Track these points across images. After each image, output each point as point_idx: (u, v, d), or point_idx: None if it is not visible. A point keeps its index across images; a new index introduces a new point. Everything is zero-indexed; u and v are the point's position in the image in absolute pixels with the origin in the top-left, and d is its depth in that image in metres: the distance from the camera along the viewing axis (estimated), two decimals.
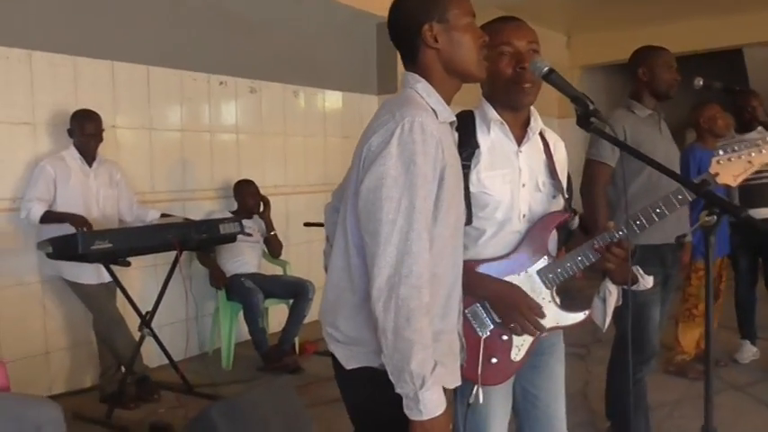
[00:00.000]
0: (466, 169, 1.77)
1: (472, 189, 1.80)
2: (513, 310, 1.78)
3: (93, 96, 4.09)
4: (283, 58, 5.46)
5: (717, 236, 3.81)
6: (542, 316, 1.82)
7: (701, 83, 2.88)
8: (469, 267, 1.79)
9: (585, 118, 1.56)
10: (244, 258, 4.68)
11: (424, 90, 1.52)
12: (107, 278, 3.62)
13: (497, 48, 1.76)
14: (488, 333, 1.82)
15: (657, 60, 2.98)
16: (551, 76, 1.61)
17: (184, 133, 4.79)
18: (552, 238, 1.88)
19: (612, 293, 2.95)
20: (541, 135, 1.93)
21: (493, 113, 1.84)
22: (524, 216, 1.85)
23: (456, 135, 1.74)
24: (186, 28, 4.69)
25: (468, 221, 1.82)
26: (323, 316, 1.58)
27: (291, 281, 4.74)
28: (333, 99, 6.07)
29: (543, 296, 1.85)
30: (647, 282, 2.89)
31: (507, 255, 1.84)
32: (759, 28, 8.19)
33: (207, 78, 4.90)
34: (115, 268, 3.54)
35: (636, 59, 3.05)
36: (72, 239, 3.16)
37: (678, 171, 3.04)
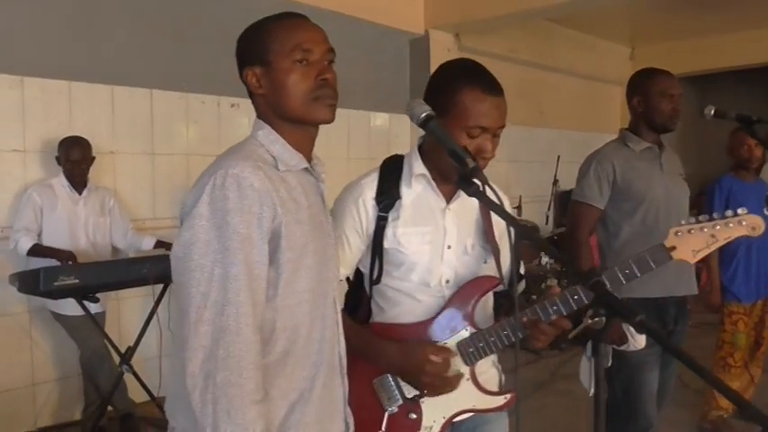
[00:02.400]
0: (382, 221, 1.59)
1: (386, 245, 1.59)
2: (417, 369, 1.53)
3: (89, 122, 4.03)
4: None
5: (756, 275, 3.46)
6: (446, 367, 1.57)
7: (713, 112, 2.48)
8: (377, 331, 1.61)
9: (464, 178, 1.27)
10: None
11: (265, 137, 1.32)
12: (93, 309, 3.53)
13: (468, 129, 1.53)
14: (395, 409, 1.60)
15: (653, 88, 2.60)
16: (428, 125, 1.33)
17: (190, 157, 4.67)
18: (482, 308, 1.62)
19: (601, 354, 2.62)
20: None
21: (418, 165, 1.62)
22: (448, 281, 1.61)
23: (377, 185, 1.62)
24: (191, 50, 4.56)
25: (376, 280, 1.63)
26: (166, 406, 1.36)
27: None
28: (358, 119, 5.85)
29: (461, 371, 1.60)
30: (639, 341, 2.53)
31: (424, 322, 1.61)
32: None
33: (217, 101, 4.76)
34: (111, 295, 3.44)
35: (631, 86, 2.69)
36: (34, 275, 3.07)
37: (685, 209, 2.67)
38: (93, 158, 3.79)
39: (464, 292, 1.59)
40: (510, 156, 7.46)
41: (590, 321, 1.08)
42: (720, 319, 3.82)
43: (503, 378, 1.75)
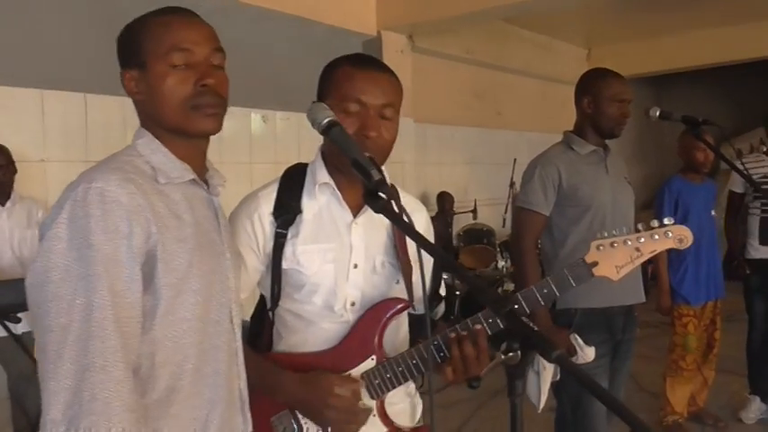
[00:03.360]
0: (281, 239, 1.42)
1: (284, 265, 1.43)
2: (320, 402, 1.37)
3: (15, 129, 3.79)
4: (249, 80, 5.08)
5: (705, 277, 3.41)
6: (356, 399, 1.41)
7: (658, 113, 2.40)
8: (276, 362, 1.44)
9: (370, 192, 1.14)
10: None
11: (146, 146, 1.18)
12: (19, 329, 3.31)
13: (342, 102, 1.39)
14: None
15: (605, 91, 2.49)
16: (331, 131, 1.20)
17: None
18: (392, 334, 1.46)
19: (548, 367, 2.50)
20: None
21: (322, 174, 1.46)
22: (353, 304, 1.45)
23: (275, 197, 1.46)
24: None
25: (273, 305, 1.47)
26: None
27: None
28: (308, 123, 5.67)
29: (366, 405, 1.44)
30: (588, 354, 2.44)
31: (327, 351, 1.44)
32: None
33: None
34: None
35: (582, 86, 2.59)
36: None
37: (631, 215, 2.59)
38: (16, 169, 3.56)
39: (369, 317, 1.44)
40: (467, 158, 7.39)
41: (503, 357, 0.95)
42: (671, 322, 3.77)
43: (420, 410, 1.59)
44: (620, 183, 2.58)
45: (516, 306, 1.39)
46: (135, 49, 1.18)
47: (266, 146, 5.33)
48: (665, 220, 1.42)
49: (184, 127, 1.18)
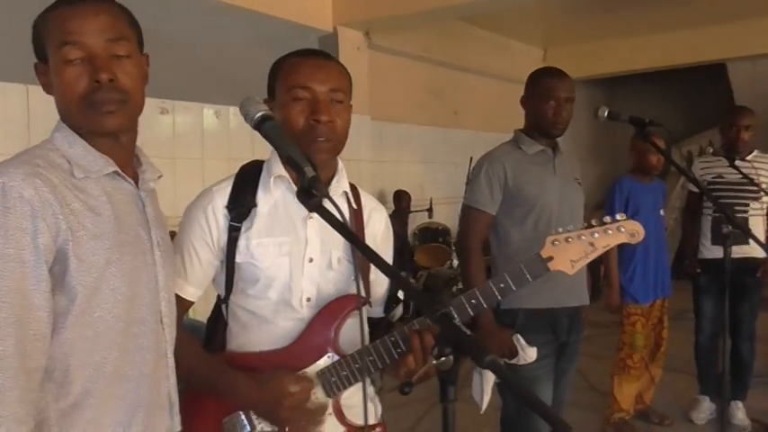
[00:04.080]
0: (234, 232, 1.40)
1: (238, 258, 1.41)
2: (274, 402, 1.35)
3: None
4: (202, 75, 4.99)
5: (654, 275, 3.46)
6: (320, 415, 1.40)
7: (606, 113, 2.40)
8: (228, 361, 1.41)
9: (303, 190, 1.10)
10: None
11: (63, 139, 1.14)
12: None
13: (291, 91, 1.39)
14: None
15: (537, 90, 2.49)
16: (264, 126, 1.16)
17: None
18: (349, 331, 1.43)
19: None
20: (351, 200, 1.51)
21: (278, 167, 1.43)
22: (309, 300, 1.43)
23: (230, 191, 1.45)
24: None
25: (225, 299, 1.45)
26: None
27: (197, 326, 4.25)
28: None
29: (325, 405, 1.43)
30: (529, 354, 2.43)
31: (282, 350, 1.42)
32: (742, 41, 7.78)
33: None
34: None
35: (525, 86, 2.59)
36: None
37: (580, 215, 2.59)
38: None
39: (325, 314, 1.42)
40: (424, 157, 7.40)
41: (435, 362, 0.92)
42: (620, 321, 3.82)
43: (378, 408, 1.58)
44: (569, 183, 2.57)
45: (474, 302, 1.37)
46: (39, 43, 1.14)
47: (219, 142, 5.23)
48: (618, 216, 1.43)
49: (84, 125, 1.13)
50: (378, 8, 5.72)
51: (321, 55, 1.46)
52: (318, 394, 1.40)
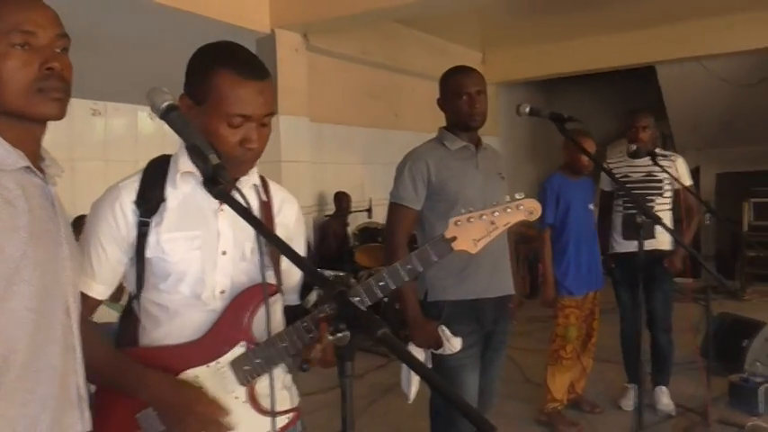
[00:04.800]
0: (144, 227, 1.40)
1: (148, 254, 1.40)
2: (185, 415, 1.35)
3: None
4: (137, 77, 4.90)
5: (586, 268, 3.57)
6: (229, 427, 1.38)
7: (528, 110, 2.49)
8: (141, 357, 1.40)
9: (209, 178, 1.13)
10: None
11: None
12: None
13: (230, 117, 1.38)
14: None
15: (448, 87, 2.59)
16: (169, 116, 1.18)
17: None
18: (261, 319, 1.44)
19: (418, 357, 2.56)
20: (261, 192, 1.53)
21: (185, 162, 1.42)
22: (223, 292, 1.43)
23: (138, 186, 1.43)
24: None
25: (137, 295, 1.45)
26: None
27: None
28: None
29: (236, 394, 1.43)
30: (454, 344, 2.49)
31: (194, 342, 1.42)
32: (670, 45, 8.08)
33: None
34: None
35: (440, 86, 2.67)
36: None
37: None
38: None
39: (237, 304, 1.43)
40: (364, 158, 7.44)
41: (331, 338, 0.95)
42: (554, 314, 3.93)
43: (295, 395, 1.59)
44: (492, 178, 2.63)
45: (382, 284, 1.40)
46: None
47: (154, 144, 5.14)
48: (516, 195, 1.48)
49: (27, 110, 1.13)
50: (315, 10, 5.75)
51: (257, 72, 1.40)
52: (233, 381, 1.41)
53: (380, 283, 1.40)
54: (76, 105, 4.60)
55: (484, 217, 1.45)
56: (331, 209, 6.70)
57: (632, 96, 9.00)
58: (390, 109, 7.77)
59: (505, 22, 7.96)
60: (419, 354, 2.49)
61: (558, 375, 3.91)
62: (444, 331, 2.44)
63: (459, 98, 2.52)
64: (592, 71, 9.15)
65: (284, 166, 6.05)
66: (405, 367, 2.49)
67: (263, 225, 1.10)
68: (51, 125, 1.21)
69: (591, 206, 3.96)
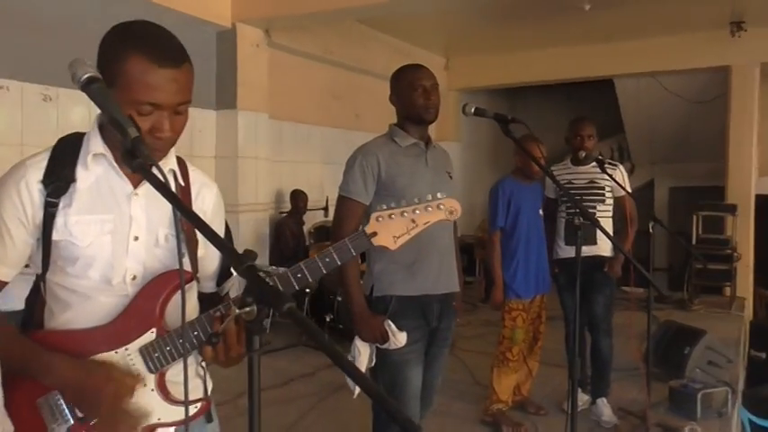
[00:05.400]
0: (51, 208, 1.33)
1: (55, 236, 1.34)
2: (96, 396, 1.30)
3: None
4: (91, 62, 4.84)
5: (535, 272, 3.61)
6: (143, 415, 1.36)
7: (473, 110, 2.52)
8: (46, 341, 1.35)
9: (128, 151, 1.11)
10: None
11: None
12: None
13: (138, 105, 1.31)
14: (65, 430, 1.35)
15: (402, 82, 2.61)
16: (90, 88, 1.15)
17: None
18: (175, 306, 1.40)
19: (363, 352, 2.55)
20: (179, 177, 1.49)
21: (96, 143, 1.37)
22: (134, 277, 1.39)
23: (46, 165, 1.36)
24: None
25: (41, 277, 1.39)
26: None
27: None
28: None
29: (144, 382, 1.39)
30: (399, 339, 2.51)
31: (102, 327, 1.38)
32: (627, 59, 8.27)
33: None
34: None
35: (390, 86, 2.69)
36: None
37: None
38: None
39: (149, 290, 1.39)
40: (324, 157, 7.43)
41: (238, 311, 0.94)
42: (501, 316, 3.96)
43: (208, 386, 1.56)
44: (441, 176, 2.65)
45: (299, 276, 1.39)
46: None
47: None
48: (438, 195, 1.49)
49: None
50: (278, 6, 5.72)
51: (172, 58, 1.30)
52: (141, 369, 1.38)
53: (298, 275, 1.39)
54: (27, 90, 4.51)
55: (405, 214, 1.46)
56: (288, 207, 6.66)
57: (593, 108, 9.18)
58: (352, 109, 7.77)
59: (470, 29, 8.04)
60: (365, 348, 2.49)
61: (504, 377, 3.94)
62: (390, 326, 2.44)
63: (414, 90, 2.55)
64: (552, 81, 9.30)
65: (241, 162, 6.00)
66: (348, 358, 2.49)
67: (179, 201, 1.08)
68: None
69: (540, 211, 4.01)
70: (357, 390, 2.50)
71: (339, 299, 5.55)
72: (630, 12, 6.94)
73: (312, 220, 6.76)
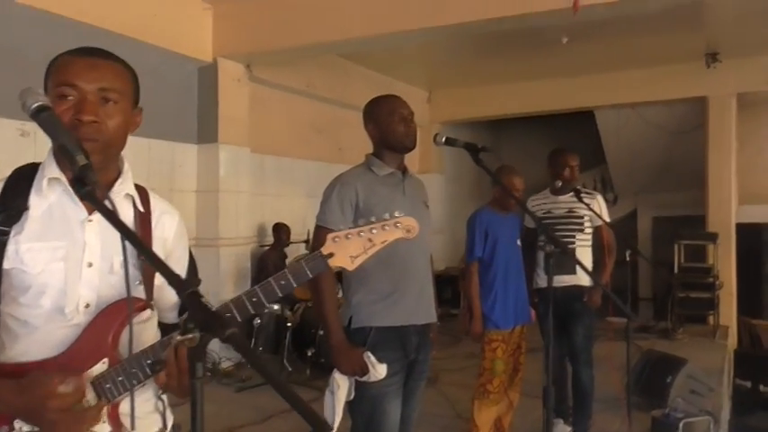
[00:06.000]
0: (3, 236, 1.32)
1: (6, 265, 1.32)
2: (39, 405, 1.27)
3: None
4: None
5: (513, 302, 3.60)
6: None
7: (444, 140, 2.55)
8: None
9: (77, 178, 1.10)
10: None
11: None
12: None
13: (57, 88, 1.34)
14: None
15: (382, 110, 2.64)
16: (40, 116, 1.16)
17: None
18: (135, 336, 1.38)
19: (342, 386, 2.50)
20: (138, 202, 1.48)
21: (51, 168, 1.37)
22: (88, 305, 1.37)
23: None
24: None
25: None
26: None
27: None
28: (138, 147, 5.47)
29: (101, 404, 1.35)
30: (380, 371, 2.46)
31: (53, 359, 1.35)
32: (607, 92, 8.38)
33: None
34: None
35: (365, 115, 2.72)
36: None
37: (426, 236, 2.68)
38: None
39: (102, 319, 1.36)
40: (308, 191, 7.43)
41: (179, 338, 0.93)
42: (481, 347, 3.93)
43: (168, 421, 1.52)
44: (418, 206, 2.66)
45: (255, 299, 1.36)
46: None
47: None
48: (396, 213, 1.48)
49: None
50: (259, 41, 5.78)
51: (97, 53, 1.40)
52: (92, 401, 1.33)
53: (253, 299, 1.36)
54: (4, 126, 4.50)
55: (362, 234, 1.44)
56: (271, 240, 6.64)
57: (576, 139, 9.27)
58: (334, 143, 7.81)
59: (451, 62, 8.15)
60: (344, 381, 2.45)
61: (485, 409, 3.89)
62: (370, 358, 2.41)
63: (393, 118, 2.58)
64: (534, 113, 9.41)
65: (222, 196, 6.00)
66: (329, 395, 2.46)
67: (128, 229, 1.07)
68: None
69: (519, 242, 4.02)
70: (337, 422, 2.46)
71: (321, 332, 5.50)
72: (607, 45, 7.07)
73: (295, 252, 6.74)
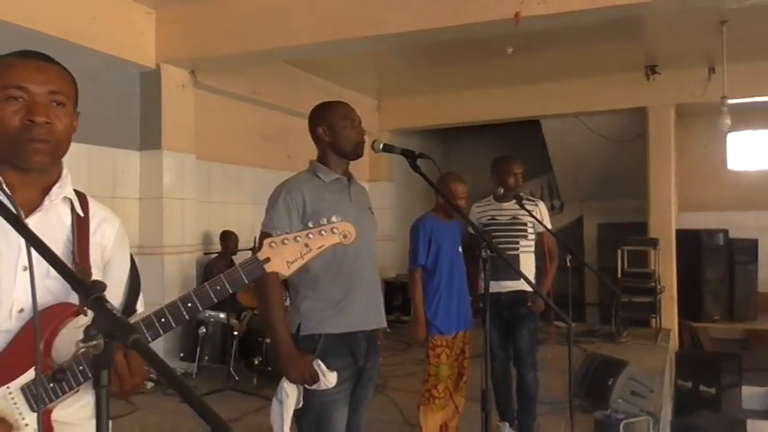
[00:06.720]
0: None
1: None
2: None
3: None
4: None
5: (456, 308, 3.62)
6: None
7: (381, 146, 2.56)
8: None
9: None
10: None
11: None
12: None
13: (5, 90, 1.33)
14: None
15: (335, 115, 2.62)
16: None
17: None
18: (64, 341, 1.34)
19: (290, 395, 2.44)
20: (77, 207, 1.44)
21: None
22: (21, 310, 1.33)
23: None
24: None
25: None
26: None
27: None
28: (78, 153, 5.34)
29: (26, 420, 1.31)
30: (330, 379, 2.39)
31: None
32: (552, 100, 8.55)
33: None
34: None
35: (314, 118, 2.69)
36: None
37: (373, 242, 2.70)
38: None
39: (33, 324, 1.30)
40: (255, 198, 7.34)
41: (83, 345, 0.90)
42: (426, 353, 3.95)
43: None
44: (364, 211, 2.67)
45: (190, 305, 1.34)
46: None
47: (78, 181, 4.91)
48: (333, 218, 1.48)
49: None
50: (202, 47, 5.71)
51: (42, 57, 1.41)
52: (23, 408, 1.30)
53: (188, 304, 1.35)
54: None
55: (298, 239, 1.44)
56: (217, 248, 6.55)
57: (524, 147, 9.43)
58: (283, 150, 7.76)
59: (400, 71, 8.20)
60: (292, 390, 2.41)
61: (431, 414, 3.91)
62: (320, 366, 2.38)
63: (346, 123, 2.59)
64: (481, 122, 9.53)
65: (166, 203, 5.89)
66: (276, 404, 2.43)
67: (31, 232, 1.04)
68: None
69: (460, 248, 4.06)
70: (286, 431, 2.43)
71: (268, 341, 5.44)
72: (551, 55, 7.21)
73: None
